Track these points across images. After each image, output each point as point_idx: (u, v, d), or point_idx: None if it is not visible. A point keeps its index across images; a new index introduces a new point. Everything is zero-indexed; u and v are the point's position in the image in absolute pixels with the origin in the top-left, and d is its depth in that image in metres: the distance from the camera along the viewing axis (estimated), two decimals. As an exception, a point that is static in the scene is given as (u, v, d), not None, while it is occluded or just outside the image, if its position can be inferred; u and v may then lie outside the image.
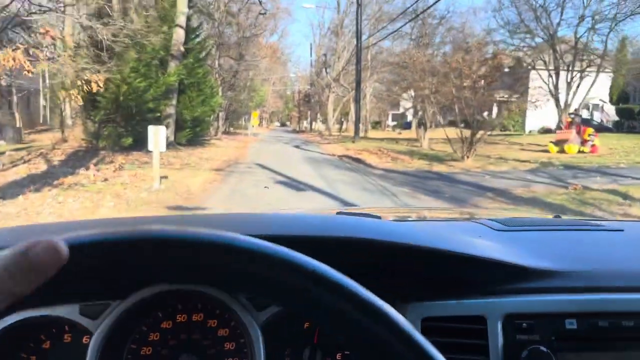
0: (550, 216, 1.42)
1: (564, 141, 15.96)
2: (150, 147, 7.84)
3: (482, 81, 12.48)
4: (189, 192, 8.14)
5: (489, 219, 1.07)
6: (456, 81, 12.58)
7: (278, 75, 64.69)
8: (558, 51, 17.88)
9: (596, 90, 20.17)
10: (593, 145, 15.66)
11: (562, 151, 15.85)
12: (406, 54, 20.28)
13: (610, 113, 26.93)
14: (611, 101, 24.15)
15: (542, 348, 0.68)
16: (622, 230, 1.02)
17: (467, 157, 13.26)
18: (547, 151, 16.59)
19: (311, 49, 50.26)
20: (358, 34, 22.66)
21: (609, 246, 0.93)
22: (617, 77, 20.82)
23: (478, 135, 13.04)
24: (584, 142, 15.74)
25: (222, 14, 24.94)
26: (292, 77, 70.23)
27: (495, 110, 24.45)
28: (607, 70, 19.41)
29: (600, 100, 27.00)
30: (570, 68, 17.77)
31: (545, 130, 32.16)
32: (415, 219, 1.52)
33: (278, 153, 18.61)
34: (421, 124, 22.01)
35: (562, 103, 19.88)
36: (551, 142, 17.10)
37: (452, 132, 31.37)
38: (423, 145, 20.04)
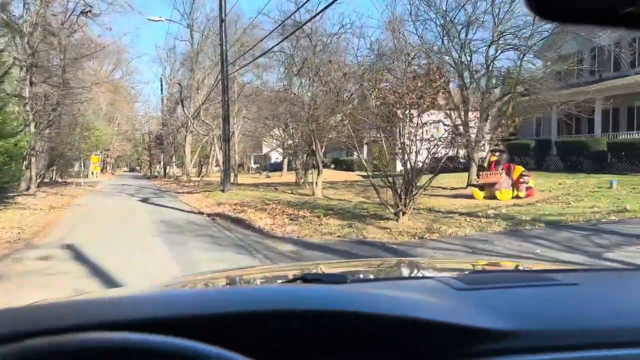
0: (509, 262, 1.44)
1: (492, 185, 12.94)
2: None
3: (424, 103, 8.59)
4: None
5: (448, 276, 1.08)
6: (388, 106, 8.54)
7: (125, 114, 56.66)
8: (467, 77, 15.34)
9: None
10: (529, 188, 12.87)
11: (491, 197, 12.79)
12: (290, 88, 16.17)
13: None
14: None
15: None
16: (577, 284, 1.04)
17: (403, 213, 9.19)
18: (469, 197, 13.47)
19: (162, 84, 44.12)
20: (223, 56, 17.95)
21: (566, 302, 0.93)
22: (506, 110, 19.12)
23: (421, 182, 9.08)
24: (516, 185, 12.89)
25: (33, 27, 18.32)
26: (140, 118, 62.46)
27: (365, 150, 21.69)
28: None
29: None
30: (486, 97, 15.22)
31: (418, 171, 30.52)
32: (376, 278, 1.48)
33: (115, 214, 12.69)
34: (296, 166, 17.90)
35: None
36: (473, 185, 14.09)
37: (332, 175, 27.79)
38: (316, 193, 15.79)
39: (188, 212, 13.20)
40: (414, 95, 8.48)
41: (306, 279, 1.03)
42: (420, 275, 1.46)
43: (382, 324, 0.68)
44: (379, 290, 1.01)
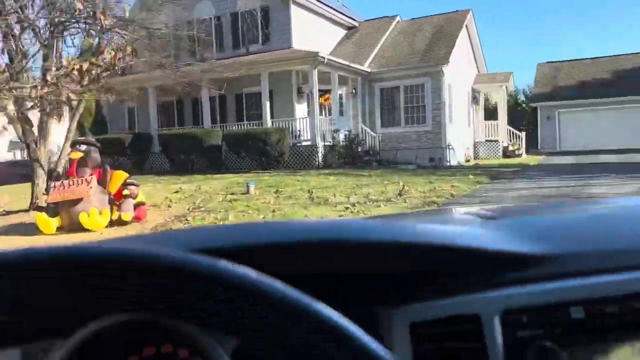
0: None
1: (74, 203, 7.12)
2: None
3: None
4: None
5: (476, 210, 0.98)
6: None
7: None
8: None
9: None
10: (140, 206, 7.68)
11: (73, 226, 7.03)
12: None
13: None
14: (81, 128, 16.63)
15: (547, 343, 0.62)
16: (623, 206, 0.97)
17: None
18: (31, 229, 7.23)
19: None
20: None
21: (613, 223, 0.83)
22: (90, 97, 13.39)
23: None
24: (117, 202, 7.50)
25: None
26: None
27: None
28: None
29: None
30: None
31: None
32: (397, 218, 1.26)
33: None
34: None
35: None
36: (39, 208, 7.78)
37: None
38: None
39: None
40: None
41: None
42: (442, 211, 1.35)
43: (398, 252, 0.62)
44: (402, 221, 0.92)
